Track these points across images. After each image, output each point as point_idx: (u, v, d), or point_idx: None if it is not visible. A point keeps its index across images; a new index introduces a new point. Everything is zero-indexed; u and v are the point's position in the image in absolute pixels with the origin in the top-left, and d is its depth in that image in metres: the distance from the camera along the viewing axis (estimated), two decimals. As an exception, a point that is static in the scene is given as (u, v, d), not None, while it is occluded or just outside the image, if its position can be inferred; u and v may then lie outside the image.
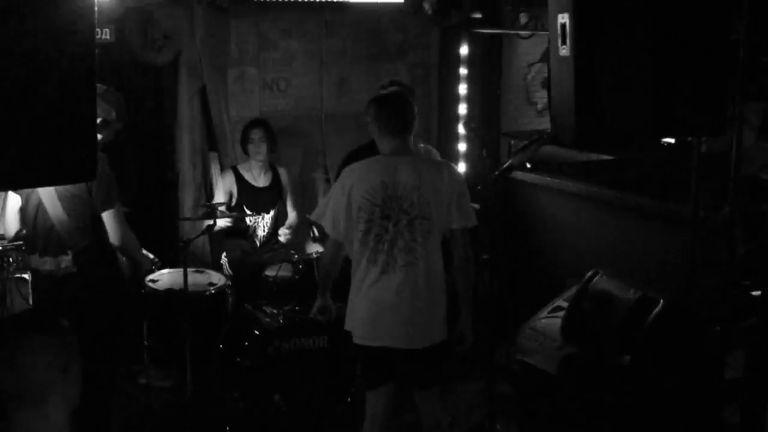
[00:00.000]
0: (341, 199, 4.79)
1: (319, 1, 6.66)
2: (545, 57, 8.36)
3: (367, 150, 5.71)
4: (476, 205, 5.94)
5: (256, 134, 6.50)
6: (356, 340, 4.89)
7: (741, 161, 5.42)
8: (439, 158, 6.13)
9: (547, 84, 8.35)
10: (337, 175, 5.73)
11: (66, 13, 3.56)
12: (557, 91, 4.86)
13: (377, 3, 6.78)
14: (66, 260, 4.92)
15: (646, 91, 4.76)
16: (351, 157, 5.88)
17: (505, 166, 5.91)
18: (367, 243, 4.77)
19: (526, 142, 6.08)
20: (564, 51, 4.69)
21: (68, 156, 3.57)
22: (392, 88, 5.85)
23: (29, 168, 3.50)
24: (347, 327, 4.93)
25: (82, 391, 4.48)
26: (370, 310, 4.83)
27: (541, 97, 8.56)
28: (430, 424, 5.04)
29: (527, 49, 8.36)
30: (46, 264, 4.98)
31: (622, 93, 4.74)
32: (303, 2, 6.61)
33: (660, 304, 5.38)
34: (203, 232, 6.03)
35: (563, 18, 4.67)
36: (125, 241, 5.03)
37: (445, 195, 4.81)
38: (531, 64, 8.53)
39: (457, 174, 5.15)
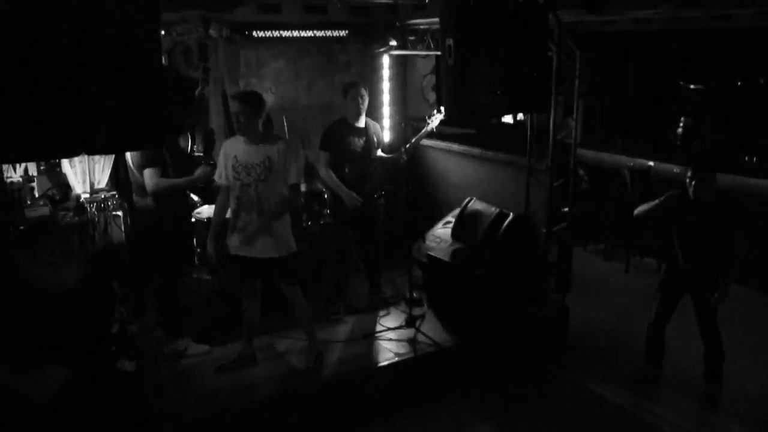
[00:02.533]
0: None
1: (295, 37, 6.54)
2: (434, 70, 8.37)
3: (338, 123, 5.71)
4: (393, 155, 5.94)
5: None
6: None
7: (555, 131, 5.63)
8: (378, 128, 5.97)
9: (435, 86, 8.48)
10: (322, 138, 5.71)
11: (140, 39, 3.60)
12: (446, 87, 4.93)
13: (331, 36, 6.68)
14: (148, 199, 4.86)
15: (499, 86, 4.90)
16: (330, 128, 5.75)
17: (412, 142, 5.88)
18: None
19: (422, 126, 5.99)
20: (450, 62, 4.80)
21: (137, 129, 3.64)
22: (351, 88, 5.62)
23: (115, 137, 3.57)
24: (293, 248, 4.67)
25: (163, 280, 4.52)
26: None
27: (431, 96, 8.56)
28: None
29: (422, 65, 8.36)
30: (139, 201, 4.95)
31: (484, 87, 4.87)
32: (285, 38, 6.50)
33: (510, 216, 5.58)
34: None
35: (449, 42, 4.77)
36: (157, 190, 4.80)
37: None
38: (425, 75, 8.43)
39: None
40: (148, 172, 4.73)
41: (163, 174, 4.78)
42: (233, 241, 4.60)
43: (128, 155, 4.89)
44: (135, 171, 4.87)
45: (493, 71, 4.87)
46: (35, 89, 3.33)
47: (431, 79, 8.50)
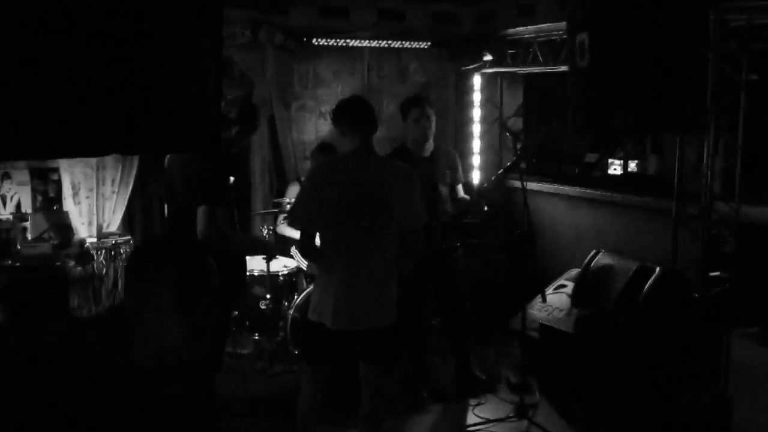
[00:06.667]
0: None
1: (364, 47, 6.57)
2: (519, 111, 8.09)
3: (397, 152, 5.52)
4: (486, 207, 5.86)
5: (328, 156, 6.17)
6: None
7: (713, 161, 5.33)
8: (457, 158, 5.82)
9: (523, 130, 8.27)
10: None
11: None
12: (576, 94, 4.74)
13: (409, 48, 6.67)
14: None
15: (643, 96, 4.65)
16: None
17: (501, 171, 5.78)
18: None
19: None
20: (582, 63, 4.62)
21: (190, 125, 3.29)
22: (413, 108, 5.48)
23: (150, 134, 3.18)
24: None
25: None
26: None
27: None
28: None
29: (506, 104, 8.17)
30: None
31: (623, 99, 4.64)
32: (351, 48, 6.51)
33: (657, 272, 5.21)
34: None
35: (582, 37, 4.62)
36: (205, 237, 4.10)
37: None
38: (509, 117, 8.12)
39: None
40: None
41: None
42: None
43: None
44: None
45: (634, 80, 4.65)
46: (61, 74, 2.96)
47: (516, 123, 8.34)
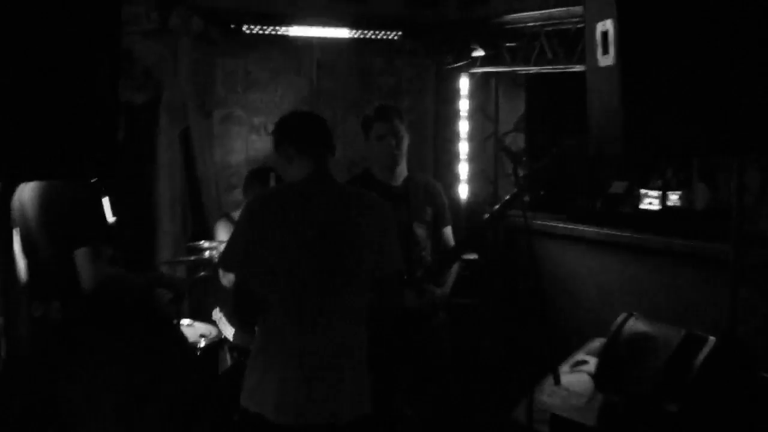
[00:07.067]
0: None
1: (311, 39, 6.58)
2: (519, 125, 8.29)
3: (359, 180, 5.51)
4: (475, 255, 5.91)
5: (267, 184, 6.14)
6: None
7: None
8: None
9: (517, 154, 8.25)
10: None
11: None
12: (598, 102, 4.59)
13: (373, 39, 6.66)
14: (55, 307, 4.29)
15: (690, 105, 4.42)
16: None
17: (498, 206, 5.51)
18: None
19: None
20: (608, 61, 4.42)
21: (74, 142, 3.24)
22: (377, 121, 5.45)
23: (14, 155, 3.11)
24: None
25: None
26: None
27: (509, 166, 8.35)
28: None
29: (503, 118, 8.24)
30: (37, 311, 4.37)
31: (664, 105, 4.42)
32: (295, 40, 6.52)
33: (710, 342, 4.99)
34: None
35: (604, 26, 4.43)
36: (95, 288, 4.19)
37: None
38: (506, 133, 8.28)
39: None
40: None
41: None
42: None
43: None
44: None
45: (677, 83, 4.43)
46: None
47: (516, 140, 8.51)
